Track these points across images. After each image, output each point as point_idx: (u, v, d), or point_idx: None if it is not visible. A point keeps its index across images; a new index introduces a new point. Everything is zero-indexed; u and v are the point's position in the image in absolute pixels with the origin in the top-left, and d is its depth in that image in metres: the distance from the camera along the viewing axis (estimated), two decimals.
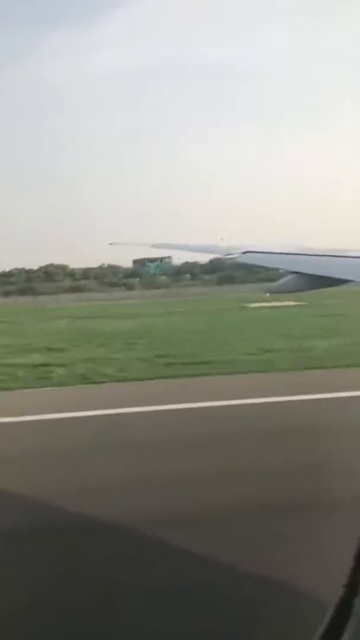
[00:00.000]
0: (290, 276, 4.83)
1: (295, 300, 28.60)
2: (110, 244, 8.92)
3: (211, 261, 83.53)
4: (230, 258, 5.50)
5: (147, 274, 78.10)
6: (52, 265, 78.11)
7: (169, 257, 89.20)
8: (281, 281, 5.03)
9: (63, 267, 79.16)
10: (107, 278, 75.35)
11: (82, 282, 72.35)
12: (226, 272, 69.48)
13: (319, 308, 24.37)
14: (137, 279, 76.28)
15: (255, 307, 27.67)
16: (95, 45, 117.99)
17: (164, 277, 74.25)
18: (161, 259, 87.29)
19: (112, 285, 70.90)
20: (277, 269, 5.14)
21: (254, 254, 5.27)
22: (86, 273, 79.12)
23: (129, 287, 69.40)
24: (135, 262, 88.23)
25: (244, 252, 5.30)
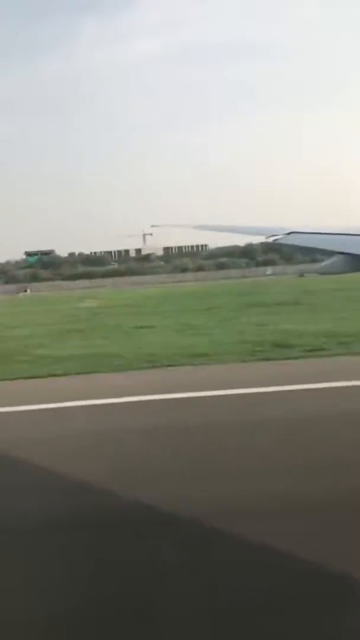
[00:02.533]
0: (337, 257, 4.72)
1: None
2: (152, 225, 8.88)
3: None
4: (275, 239, 5.40)
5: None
6: None
7: (52, 251, 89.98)
8: (328, 262, 4.92)
9: None
10: None
11: None
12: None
13: None
14: None
15: None
16: (132, 30, 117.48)
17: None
18: (42, 253, 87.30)
19: None
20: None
21: (299, 235, 5.16)
22: None
23: None
24: (26, 253, 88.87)
25: (289, 233, 5.20)
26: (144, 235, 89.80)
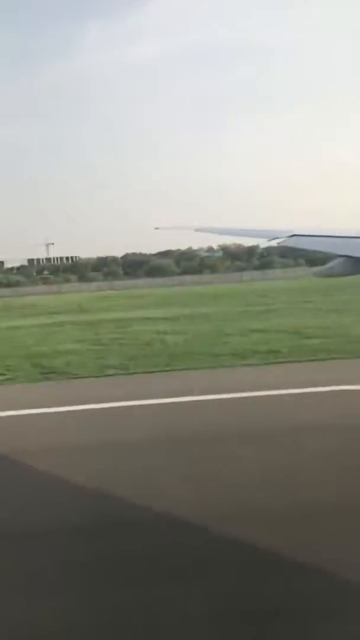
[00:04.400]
0: (339, 260, 4.75)
1: None
2: (156, 228, 8.87)
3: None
4: (277, 242, 5.44)
5: None
6: None
7: None
8: (329, 265, 4.95)
9: None
10: None
11: None
12: None
13: None
14: None
15: None
16: (133, 34, 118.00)
17: None
18: None
19: None
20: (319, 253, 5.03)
21: (300, 238, 5.19)
22: None
23: None
24: None
25: (291, 236, 5.22)
26: (47, 245, 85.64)
